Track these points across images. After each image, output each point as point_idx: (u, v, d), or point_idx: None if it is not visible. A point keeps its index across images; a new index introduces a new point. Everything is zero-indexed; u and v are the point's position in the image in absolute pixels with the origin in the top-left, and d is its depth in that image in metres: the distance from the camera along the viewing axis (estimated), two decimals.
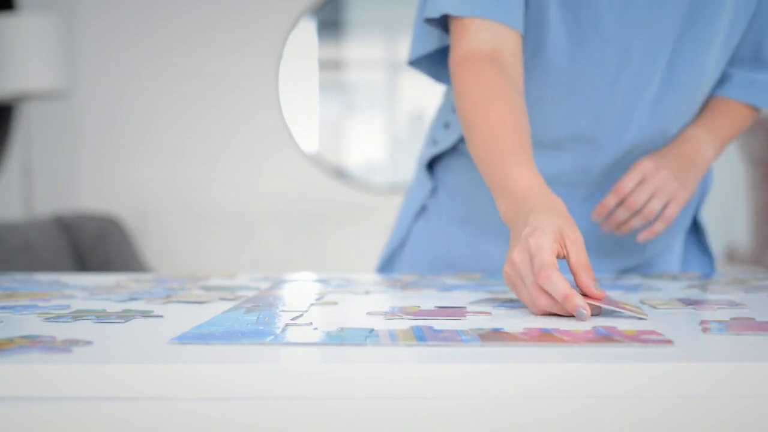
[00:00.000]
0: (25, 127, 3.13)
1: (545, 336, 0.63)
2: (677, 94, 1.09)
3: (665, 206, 1.06)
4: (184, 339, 0.63)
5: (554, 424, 0.54)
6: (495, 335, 0.64)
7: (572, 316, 0.73)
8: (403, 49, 4.04)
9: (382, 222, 3.51)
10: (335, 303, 0.84)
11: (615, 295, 0.90)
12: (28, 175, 3.05)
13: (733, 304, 0.81)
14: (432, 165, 1.25)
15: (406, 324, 0.70)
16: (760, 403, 0.54)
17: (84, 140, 3.75)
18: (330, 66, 4.02)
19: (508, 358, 0.58)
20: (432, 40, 1.10)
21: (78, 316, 0.75)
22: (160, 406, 0.55)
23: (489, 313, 0.76)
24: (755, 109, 1.16)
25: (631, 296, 0.89)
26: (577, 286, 0.77)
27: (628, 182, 1.06)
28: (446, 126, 1.21)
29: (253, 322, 0.70)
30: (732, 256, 3.60)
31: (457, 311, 0.77)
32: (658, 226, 1.07)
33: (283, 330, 0.67)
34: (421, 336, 0.64)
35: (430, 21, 1.06)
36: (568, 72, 1.06)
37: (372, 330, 0.66)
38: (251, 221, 3.75)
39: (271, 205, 3.77)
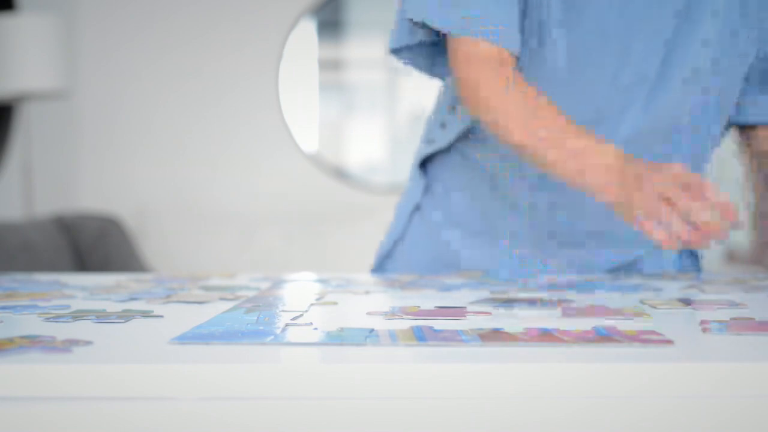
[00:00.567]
0: (25, 127, 3.13)
1: (545, 336, 0.63)
2: (669, 91, 1.09)
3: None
4: (184, 339, 0.63)
5: (554, 424, 0.54)
6: (495, 335, 0.64)
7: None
8: None
9: (382, 222, 3.49)
10: (335, 303, 0.84)
11: (615, 295, 0.90)
12: (28, 175, 3.05)
13: (733, 304, 0.81)
14: (426, 164, 1.25)
15: (406, 324, 0.70)
16: (760, 403, 0.54)
17: (84, 140, 3.75)
18: (330, 66, 4.02)
19: (508, 358, 0.58)
20: (415, 34, 1.11)
21: (78, 316, 0.75)
22: (160, 406, 0.55)
23: (489, 313, 0.76)
24: None
25: (631, 296, 0.89)
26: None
27: None
28: (443, 126, 1.21)
29: (253, 322, 0.70)
30: (732, 256, 3.60)
31: (457, 311, 0.77)
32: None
33: (283, 330, 0.67)
34: (421, 336, 0.64)
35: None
36: (569, 70, 1.07)
37: (372, 330, 0.66)
38: (251, 221, 3.75)
39: (271, 205, 3.77)
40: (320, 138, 3.97)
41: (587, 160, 0.96)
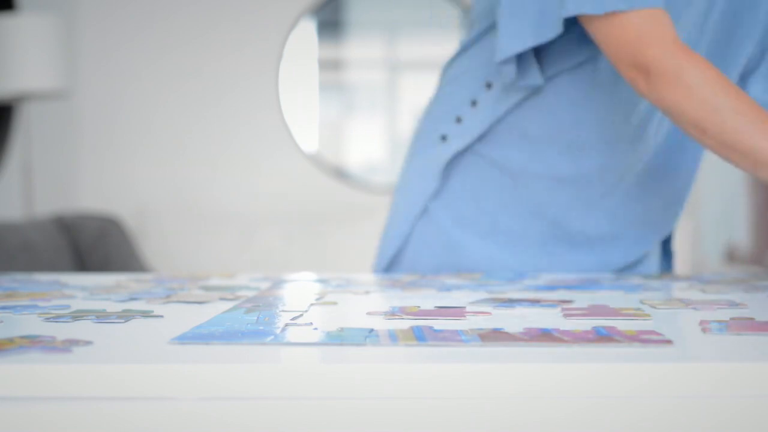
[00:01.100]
0: (25, 127, 3.13)
1: (545, 336, 0.63)
2: None
3: None
4: (184, 339, 0.63)
5: (554, 424, 0.54)
6: (495, 335, 0.64)
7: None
8: (404, 49, 4.04)
9: (382, 222, 3.49)
10: (335, 303, 0.84)
11: (615, 295, 0.90)
12: (28, 175, 3.05)
13: (733, 304, 0.81)
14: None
15: (406, 324, 0.70)
16: (760, 403, 0.54)
17: (84, 140, 3.75)
18: (330, 66, 4.02)
19: (508, 358, 0.58)
20: (539, 34, 1.04)
21: (78, 316, 0.75)
22: (160, 406, 0.55)
23: (489, 313, 0.76)
24: None
25: (631, 296, 0.89)
26: None
27: None
28: (458, 120, 1.17)
29: (253, 322, 0.70)
30: (732, 256, 3.60)
31: (457, 311, 0.77)
32: None
33: (283, 330, 0.67)
34: (421, 336, 0.64)
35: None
36: (602, 70, 1.07)
37: (372, 330, 0.66)
38: (251, 221, 3.75)
39: (271, 205, 3.77)
40: (320, 138, 3.97)
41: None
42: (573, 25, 1.06)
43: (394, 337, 0.64)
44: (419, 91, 4.03)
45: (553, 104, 1.12)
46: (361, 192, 3.79)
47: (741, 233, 3.65)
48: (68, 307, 0.81)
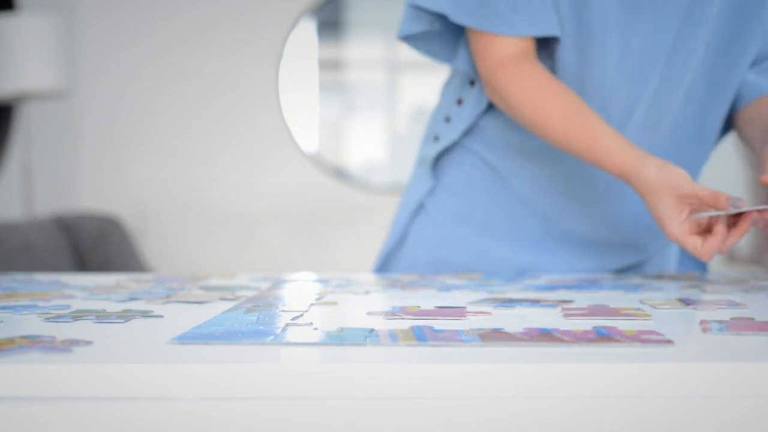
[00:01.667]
0: (25, 127, 3.13)
1: (545, 336, 0.63)
2: (672, 93, 1.09)
3: None
4: (184, 339, 0.63)
5: (554, 424, 0.54)
6: (495, 335, 0.64)
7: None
8: (404, 48, 4.04)
9: (382, 222, 3.50)
10: (335, 303, 0.84)
11: (615, 295, 0.90)
12: (28, 175, 3.05)
13: (733, 304, 0.81)
14: (434, 163, 1.24)
15: (406, 324, 0.70)
16: (760, 403, 0.54)
17: (84, 140, 3.75)
18: (330, 66, 4.02)
19: (508, 358, 0.58)
20: (422, 23, 1.11)
21: (78, 316, 0.75)
22: (160, 406, 0.55)
23: (489, 313, 0.76)
24: None
25: (632, 296, 0.89)
26: (717, 209, 0.93)
27: None
28: (447, 120, 1.21)
29: (253, 322, 0.70)
30: (732, 256, 3.60)
31: (457, 311, 0.77)
32: None
33: (283, 330, 0.67)
34: (421, 336, 0.64)
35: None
36: (576, 60, 1.07)
37: (372, 330, 0.66)
38: (251, 221, 3.75)
39: (271, 205, 3.77)
40: (320, 138, 3.97)
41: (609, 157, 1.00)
42: None
43: (394, 337, 0.64)
44: (419, 91, 4.03)
45: None
46: (361, 192, 3.79)
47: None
48: (68, 307, 0.81)
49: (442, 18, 1.11)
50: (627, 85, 1.08)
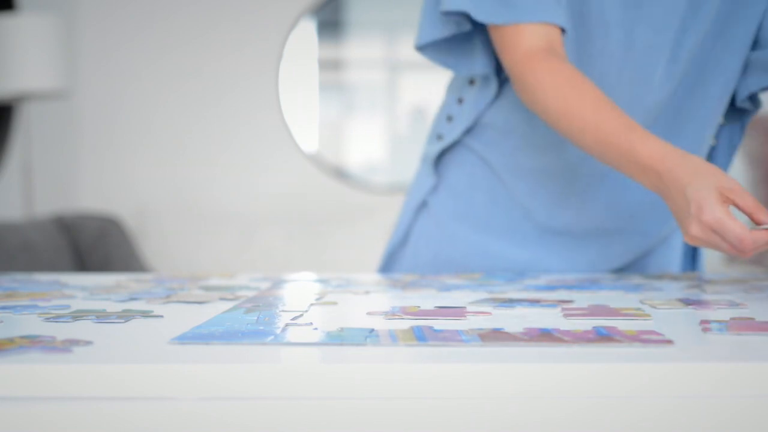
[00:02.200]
0: (25, 127, 3.13)
1: (545, 336, 0.63)
2: (675, 90, 1.09)
3: None
4: (184, 339, 0.63)
5: (554, 424, 0.54)
6: (495, 335, 0.64)
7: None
8: (404, 49, 4.04)
9: (382, 222, 3.51)
10: (335, 303, 0.84)
11: (615, 295, 0.90)
12: (28, 175, 3.05)
13: (733, 304, 0.81)
14: (436, 161, 1.25)
15: (406, 324, 0.70)
16: (760, 403, 0.54)
17: (84, 140, 3.75)
18: (330, 66, 4.02)
19: (508, 358, 0.58)
20: (446, 27, 1.11)
21: (78, 316, 0.75)
22: (160, 406, 0.55)
23: (489, 313, 0.76)
24: None
25: (632, 296, 0.89)
26: (756, 223, 0.86)
27: None
28: (449, 119, 1.21)
29: (253, 322, 0.70)
30: (732, 257, 3.59)
31: (457, 311, 0.77)
32: None
33: (283, 330, 0.67)
34: (421, 336, 0.64)
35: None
36: (576, 59, 1.08)
37: (372, 330, 0.66)
38: (251, 221, 3.75)
39: (271, 205, 3.77)
40: (320, 138, 3.97)
41: (629, 164, 0.95)
42: None
43: (394, 337, 0.64)
44: (419, 91, 4.03)
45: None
46: (361, 192, 3.79)
47: None
48: (68, 307, 0.81)
49: (460, 23, 1.10)
50: (629, 83, 1.08)
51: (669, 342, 0.61)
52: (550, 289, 0.94)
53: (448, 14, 1.09)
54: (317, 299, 0.87)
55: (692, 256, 1.28)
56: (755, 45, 1.12)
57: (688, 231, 0.88)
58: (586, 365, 0.55)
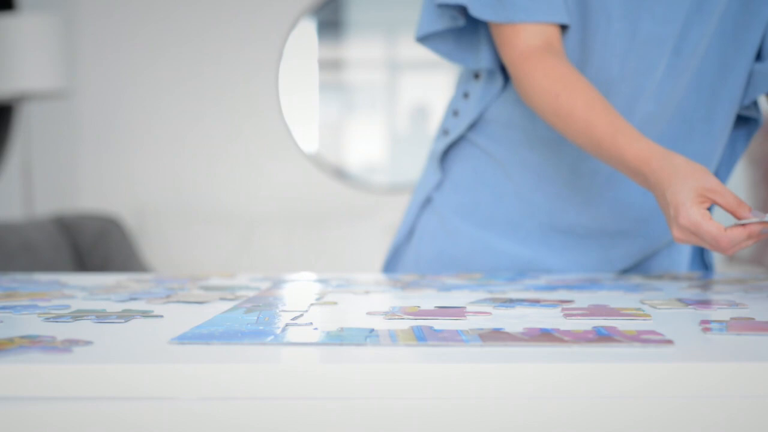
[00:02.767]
0: (25, 127, 3.13)
1: (545, 336, 0.63)
2: (678, 82, 1.09)
3: None
4: (184, 339, 0.63)
5: (554, 424, 0.54)
6: (495, 335, 0.64)
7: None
8: (404, 49, 4.04)
9: (382, 222, 3.51)
10: (335, 303, 0.84)
11: (615, 295, 0.90)
12: (28, 175, 3.05)
13: (733, 304, 0.81)
14: (442, 157, 1.25)
15: (406, 324, 0.70)
16: (760, 403, 0.54)
17: (84, 140, 3.75)
18: (330, 66, 4.02)
19: (508, 358, 0.58)
20: (445, 19, 1.12)
21: (78, 316, 0.75)
22: (160, 406, 0.55)
23: (489, 313, 0.76)
24: None
25: (632, 296, 0.89)
26: (738, 218, 0.88)
27: None
28: (455, 113, 1.22)
29: (253, 322, 0.70)
30: (732, 257, 3.60)
31: (457, 311, 0.77)
32: None
33: (283, 330, 0.67)
34: (421, 336, 0.64)
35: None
36: (578, 50, 1.08)
37: (372, 330, 0.66)
38: (251, 221, 3.75)
39: (271, 205, 3.77)
40: (320, 138, 3.97)
41: (618, 165, 0.98)
42: None
43: (394, 337, 0.64)
44: (419, 91, 4.03)
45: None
46: (361, 192, 3.79)
47: None
48: (68, 307, 0.81)
49: (455, 17, 1.11)
50: (631, 75, 1.08)
51: (669, 342, 0.61)
52: (550, 289, 0.94)
53: (444, 7, 1.10)
54: (317, 299, 0.87)
55: (701, 257, 1.27)
56: (758, 56, 1.12)
57: (672, 232, 0.91)
58: (586, 365, 0.55)
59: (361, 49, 4.02)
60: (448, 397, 0.55)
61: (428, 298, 0.87)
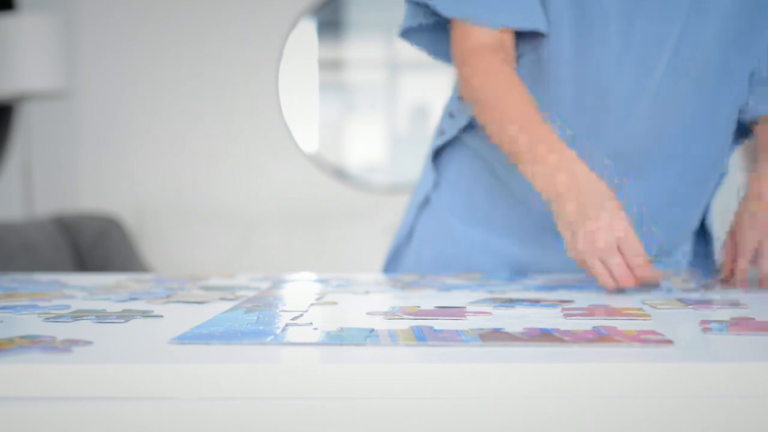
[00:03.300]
0: (25, 127, 3.13)
1: (545, 336, 0.63)
2: (679, 83, 1.08)
3: None
4: (184, 339, 0.63)
5: (554, 424, 0.54)
6: (495, 335, 0.64)
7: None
8: (404, 49, 4.03)
9: (382, 222, 3.51)
10: (335, 303, 0.84)
11: (615, 296, 0.90)
12: (28, 175, 3.05)
13: (733, 304, 0.81)
14: (437, 157, 1.25)
15: (406, 324, 0.70)
16: (760, 403, 0.54)
17: (84, 140, 3.75)
18: (330, 66, 4.02)
19: (508, 358, 0.58)
20: (419, 15, 1.13)
21: (78, 316, 0.75)
22: (160, 406, 0.55)
23: (489, 313, 0.76)
24: None
25: (631, 296, 0.89)
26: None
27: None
28: (451, 115, 1.22)
29: (253, 322, 0.70)
30: None
31: (457, 311, 0.77)
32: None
33: (283, 330, 0.67)
34: (421, 336, 0.64)
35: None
36: (572, 51, 1.07)
37: (372, 330, 0.66)
38: (251, 221, 3.75)
39: (271, 205, 3.77)
40: (320, 138, 3.96)
41: (528, 164, 1.01)
42: None
43: (394, 337, 0.64)
44: (419, 91, 4.03)
45: None
46: (361, 192, 3.79)
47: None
48: (68, 307, 0.81)
49: (426, 14, 1.12)
50: (629, 75, 1.07)
51: (669, 342, 0.61)
52: (550, 289, 0.95)
53: (417, 4, 1.12)
54: (317, 299, 0.87)
55: (701, 257, 1.27)
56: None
57: (574, 246, 0.96)
58: (586, 365, 0.55)
59: (361, 49, 4.02)
60: (448, 397, 0.55)
61: (428, 298, 0.87)
